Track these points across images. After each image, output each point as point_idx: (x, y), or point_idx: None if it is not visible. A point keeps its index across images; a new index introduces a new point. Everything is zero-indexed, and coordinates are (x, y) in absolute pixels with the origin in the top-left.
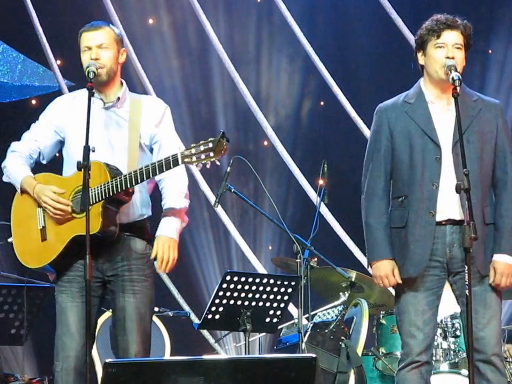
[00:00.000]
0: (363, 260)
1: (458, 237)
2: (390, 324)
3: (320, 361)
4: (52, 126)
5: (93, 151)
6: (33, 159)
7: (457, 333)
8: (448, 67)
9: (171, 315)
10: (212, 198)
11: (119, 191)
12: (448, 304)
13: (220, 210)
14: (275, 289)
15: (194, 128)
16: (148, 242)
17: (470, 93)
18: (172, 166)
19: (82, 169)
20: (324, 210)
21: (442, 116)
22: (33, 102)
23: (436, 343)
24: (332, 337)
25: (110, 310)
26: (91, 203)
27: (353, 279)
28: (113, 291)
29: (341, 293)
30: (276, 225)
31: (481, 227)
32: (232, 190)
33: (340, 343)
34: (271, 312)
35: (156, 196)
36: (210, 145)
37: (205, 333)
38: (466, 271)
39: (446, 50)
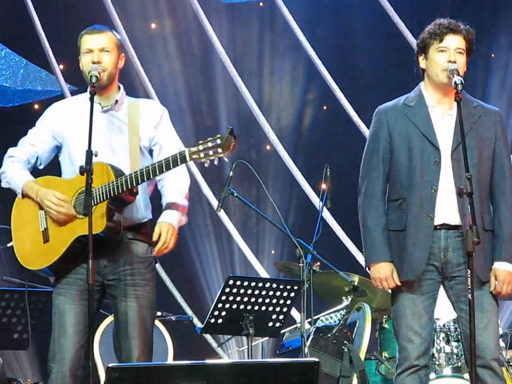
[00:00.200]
0: None
1: (453, 241)
2: (392, 328)
3: (323, 365)
4: (49, 131)
5: (96, 155)
6: (31, 164)
7: (460, 338)
8: (450, 71)
9: (174, 319)
10: (215, 203)
11: (125, 190)
12: (451, 308)
13: (222, 214)
14: (278, 293)
15: (196, 132)
16: (149, 246)
17: (470, 99)
18: (179, 163)
19: (85, 174)
20: (327, 214)
21: (443, 120)
22: (36, 106)
23: (438, 347)
24: (334, 341)
25: (112, 315)
26: (96, 203)
27: (355, 283)
28: (115, 295)
29: (343, 297)
30: (278, 230)
31: (481, 233)
32: (235, 195)
33: (343, 347)
34: (274, 316)
35: (155, 198)
36: (219, 141)
37: (208, 337)
38: (465, 275)
39: (448, 55)
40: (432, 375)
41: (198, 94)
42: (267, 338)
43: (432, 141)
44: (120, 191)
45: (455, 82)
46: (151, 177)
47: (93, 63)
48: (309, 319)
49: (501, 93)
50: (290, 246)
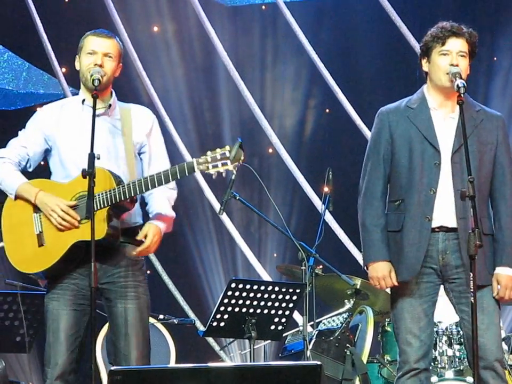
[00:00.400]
0: None
1: (451, 244)
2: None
3: (325, 368)
4: (41, 134)
5: (98, 158)
6: (22, 166)
7: (462, 340)
8: (452, 74)
9: (176, 322)
10: (217, 206)
11: (127, 197)
12: (453, 312)
13: (224, 217)
14: (280, 296)
15: (199, 135)
16: None
17: (472, 103)
18: (187, 174)
19: (88, 177)
20: (329, 217)
21: (444, 123)
22: (38, 109)
23: (441, 351)
24: (337, 344)
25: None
26: (97, 208)
27: (358, 286)
28: (109, 298)
29: (346, 300)
30: (280, 233)
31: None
32: (237, 198)
33: (345, 350)
34: (276, 319)
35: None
36: (227, 154)
37: (210, 340)
38: (464, 277)
39: (450, 58)
40: (434, 378)
41: (200, 96)
42: (269, 341)
43: (433, 143)
44: (123, 198)
45: (457, 85)
46: (157, 185)
47: (95, 65)
48: (311, 322)
49: (503, 96)
50: (292, 249)
